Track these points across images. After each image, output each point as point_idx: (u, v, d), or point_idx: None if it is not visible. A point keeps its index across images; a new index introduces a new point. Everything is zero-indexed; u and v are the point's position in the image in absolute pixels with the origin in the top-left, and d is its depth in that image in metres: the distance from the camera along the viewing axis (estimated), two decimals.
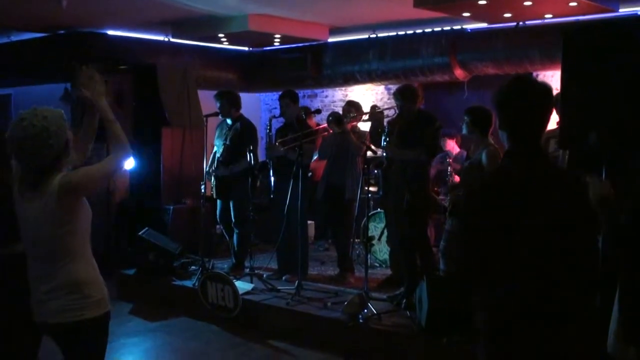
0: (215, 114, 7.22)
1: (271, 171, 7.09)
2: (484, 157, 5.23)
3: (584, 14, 6.76)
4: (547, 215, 2.32)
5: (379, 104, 9.64)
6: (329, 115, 7.01)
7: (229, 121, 7.25)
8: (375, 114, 6.21)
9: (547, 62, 7.23)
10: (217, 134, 7.41)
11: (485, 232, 2.37)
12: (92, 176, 3.01)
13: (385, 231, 6.73)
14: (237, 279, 6.65)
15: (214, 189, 7.37)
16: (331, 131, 7.01)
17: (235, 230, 7.33)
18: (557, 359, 2.35)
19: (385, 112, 6.33)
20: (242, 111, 7.38)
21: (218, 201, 7.47)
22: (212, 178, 7.32)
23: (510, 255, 2.35)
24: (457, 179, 7.23)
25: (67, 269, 2.97)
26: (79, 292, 2.98)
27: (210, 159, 7.44)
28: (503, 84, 2.51)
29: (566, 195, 2.37)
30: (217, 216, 7.61)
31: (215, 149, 7.41)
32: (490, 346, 2.44)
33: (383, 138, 5.90)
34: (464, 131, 5.52)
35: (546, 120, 2.46)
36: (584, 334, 2.43)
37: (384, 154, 6.00)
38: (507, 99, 2.46)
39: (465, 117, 5.43)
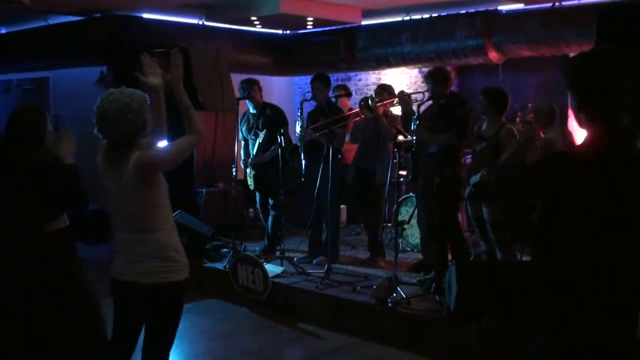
0: (247, 97, 7.23)
1: (302, 154, 7.09)
2: (502, 135, 5.25)
3: None
4: (620, 199, 2.16)
5: (412, 87, 9.57)
6: (361, 100, 6.96)
7: (252, 110, 7.28)
8: (403, 97, 6.15)
9: (584, 43, 7.02)
10: (244, 127, 7.42)
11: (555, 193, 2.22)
12: (167, 153, 3.27)
13: (416, 214, 6.67)
14: (268, 262, 6.69)
15: (252, 181, 7.41)
16: (363, 116, 6.97)
17: (272, 212, 7.37)
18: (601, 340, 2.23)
19: (415, 96, 6.26)
20: (276, 95, 7.43)
21: (257, 193, 7.51)
22: (250, 169, 7.36)
23: (572, 226, 2.22)
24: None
25: (154, 237, 3.20)
26: (166, 257, 3.21)
27: (242, 151, 7.46)
28: (575, 59, 2.30)
29: None
30: (259, 206, 7.66)
31: (243, 142, 7.44)
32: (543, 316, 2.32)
33: (413, 122, 5.85)
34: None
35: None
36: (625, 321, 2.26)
37: (414, 138, 5.95)
38: (593, 74, 2.21)
39: (481, 97, 5.45)
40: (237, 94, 7.32)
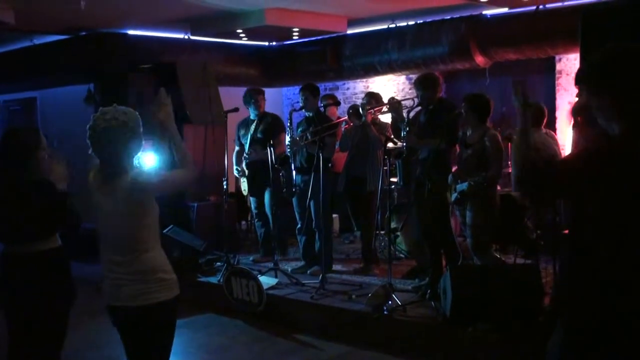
0: (235, 110, 7.26)
1: (293, 165, 7.09)
2: (487, 141, 5.25)
3: None
4: None
5: (400, 94, 9.59)
6: (349, 108, 6.99)
7: (253, 117, 7.37)
8: (393, 104, 6.17)
9: (569, 45, 7.09)
10: (242, 133, 7.51)
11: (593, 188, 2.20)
12: (161, 184, 3.23)
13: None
14: (262, 274, 6.67)
15: (246, 186, 7.43)
16: (352, 124, 6.99)
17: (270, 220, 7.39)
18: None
19: (405, 102, 6.27)
20: (264, 106, 7.55)
21: (252, 198, 7.52)
22: (243, 175, 7.39)
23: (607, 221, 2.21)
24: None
25: (143, 257, 3.17)
26: (154, 277, 3.18)
27: (235, 157, 7.49)
28: (594, 60, 2.29)
29: None
30: (254, 213, 7.67)
31: (237, 148, 7.51)
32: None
33: (403, 128, 5.87)
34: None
35: None
36: None
37: (404, 145, 5.96)
38: (616, 73, 2.22)
39: (463, 104, 5.46)
40: (241, 102, 7.40)
